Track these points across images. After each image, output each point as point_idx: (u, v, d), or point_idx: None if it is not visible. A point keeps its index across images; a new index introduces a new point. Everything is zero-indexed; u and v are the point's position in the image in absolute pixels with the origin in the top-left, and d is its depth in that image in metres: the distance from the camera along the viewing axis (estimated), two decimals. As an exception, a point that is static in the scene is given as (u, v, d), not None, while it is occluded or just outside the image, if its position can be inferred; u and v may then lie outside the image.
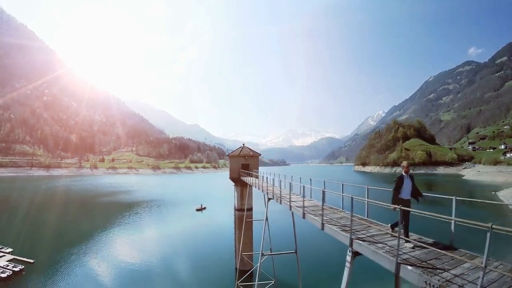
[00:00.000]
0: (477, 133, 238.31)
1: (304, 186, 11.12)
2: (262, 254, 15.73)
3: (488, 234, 4.26)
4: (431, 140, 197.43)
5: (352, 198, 7.85)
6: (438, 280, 4.90)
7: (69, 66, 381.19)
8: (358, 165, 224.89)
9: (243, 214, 21.83)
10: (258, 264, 15.69)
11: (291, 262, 17.31)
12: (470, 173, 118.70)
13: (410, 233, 7.56)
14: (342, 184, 10.41)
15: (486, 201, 6.54)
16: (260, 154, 25.41)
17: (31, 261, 19.88)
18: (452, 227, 6.16)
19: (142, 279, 18.69)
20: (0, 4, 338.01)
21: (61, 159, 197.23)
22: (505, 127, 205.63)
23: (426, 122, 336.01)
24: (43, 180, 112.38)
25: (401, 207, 6.58)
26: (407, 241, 6.86)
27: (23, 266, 18.63)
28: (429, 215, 5.53)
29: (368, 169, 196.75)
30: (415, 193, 8.02)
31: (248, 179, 21.08)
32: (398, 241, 5.88)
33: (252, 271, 18.94)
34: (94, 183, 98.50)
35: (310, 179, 13.45)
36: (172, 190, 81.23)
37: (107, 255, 22.93)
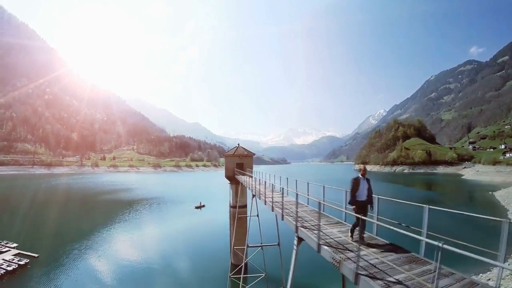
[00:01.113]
0: (478, 132, 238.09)
1: (273, 184, 13.17)
2: (248, 246, 17.08)
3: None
4: (431, 139, 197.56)
5: (297, 194, 9.49)
6: (340, 257, 6.44)
7: (70, 65, 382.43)
8: (358, 164, 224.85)
9: (237, 211, 22.67)
10: (245, 257, 16.71)
11: (278, 255, 17.96)
12: (470, 172, 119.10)
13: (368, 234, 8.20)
14: (308, 183, 11.84)
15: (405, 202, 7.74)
16: (254, 154, 26.27)
17: (36, 255, 20.66)
18: (375, 223, 7.33)
19: (141, 272, 19.44)
20: (1, 3, 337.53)
21: (62, 158, 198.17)
22: (506, 126, 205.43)
23: (427, 121, 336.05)
24: (44, 178, 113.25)
25: (345, 211, 8.26)
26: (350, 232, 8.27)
27: (28, 260, 19.41)
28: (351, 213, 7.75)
29: (368, 168, 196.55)
30: (370, 197, 8.31)
31: (240, 178, 21.93)
32: (319, 228, 7.87)
33: (244, 265, 19.82)
34: (95, 181, 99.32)
35: (287, 179, 14.34)
36: (172, 188, 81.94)
37: (108, 250, 23.69)
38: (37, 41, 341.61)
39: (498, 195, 59.10)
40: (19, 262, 18.80)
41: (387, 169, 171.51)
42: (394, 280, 5.39)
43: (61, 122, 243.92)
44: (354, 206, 8.13)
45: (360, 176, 8.33)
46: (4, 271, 17.40)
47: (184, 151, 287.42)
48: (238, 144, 26.14)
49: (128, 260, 21.65)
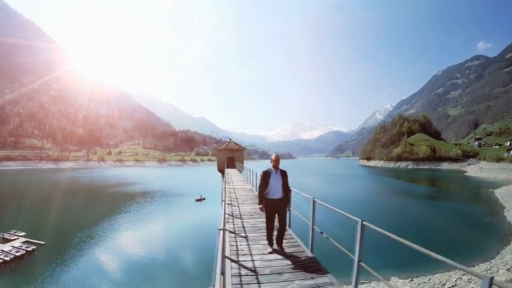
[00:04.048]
0: (485, 129, 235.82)
1: (232, 177, 14.42)
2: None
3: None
4: (436, 135, 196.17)
5: (231, 186, 10.42)
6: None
7: (76, 61, 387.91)
8: (363, 159, 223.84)
9: (226, 202, 24.14)
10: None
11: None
12: (473, 169, 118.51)
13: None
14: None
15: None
16: (244, 148, 27.45)
17: (42, 242, 22.00)
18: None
19: (139, 258, 20.65)
20: (6, 1, 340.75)
21: (69, 152, 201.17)
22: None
23: (434, 116, 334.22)
24: (51, 172, 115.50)
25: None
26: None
27: (35, 247, 20.77)
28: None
29: (372, 163, 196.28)
30: (286, 195, 6.97)
31: (227, 171, 23.10)
32: (226, 202, 9.41)
33: None
34: (101, 175, 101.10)
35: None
36: (176, 182, 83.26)
37: (110, 239, 24.96)
38: (43, 38, 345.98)
39: (498, 192, 59.20)
40: (27, 249, 20.20)
41: (391, 164, 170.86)
42: (244, 235, 7.81)
43: (67, 118, 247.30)
44: (261, 205, 6.80)
45: (272, 168, 6.92)
46: (13, 256, 18.85)
47: (189, 145, 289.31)
48: (230, 139, 27.44)
49: (129, 248, 22.89)
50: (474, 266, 19.06)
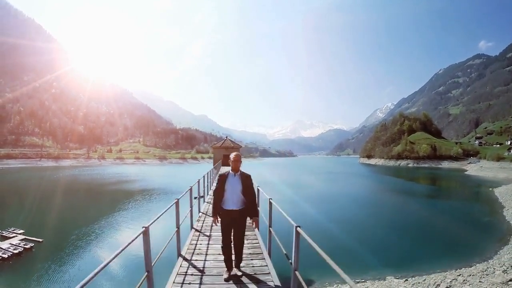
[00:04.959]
0: (485, 127, 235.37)
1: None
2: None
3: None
4: (437, 133, 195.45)
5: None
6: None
7: (77, 59, 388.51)
8: (363, 157, 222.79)
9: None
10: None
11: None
12: (473, 168, 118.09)
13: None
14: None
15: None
16: (241, 146, 27.58)
17: (40, 240, 22.10)
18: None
19: (138, 257, 20.71)
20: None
21: (69, 150, 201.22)
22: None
23: (435, 115, 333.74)
24: (52, 170, 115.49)
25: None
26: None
27: (33, 244, 20.86)
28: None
29: (373, 161, 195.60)
30: (252, 205, 5.36)
31: (222, 169, 23.23)
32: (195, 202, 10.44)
33: None
34: (101, 173, 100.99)
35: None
36: (176, 179, 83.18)
37: (109, 237, 24.99)
38: (44, 36, 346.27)
39: (498, 191, 59.00)
40: (25, 246, 20.30)
41: (391, 163, 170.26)
42: (208, 234, 8.67)
43: (68, 116, 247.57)
44: (214, 218, 5.40)
45: (230, 171, 5.40)
46: (11, 253, 18.96)
47: (190, 143, 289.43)
48: (226, 137, 27.59)
49: (127, 246, 23.06)
50: (471, 267, 19.03)
